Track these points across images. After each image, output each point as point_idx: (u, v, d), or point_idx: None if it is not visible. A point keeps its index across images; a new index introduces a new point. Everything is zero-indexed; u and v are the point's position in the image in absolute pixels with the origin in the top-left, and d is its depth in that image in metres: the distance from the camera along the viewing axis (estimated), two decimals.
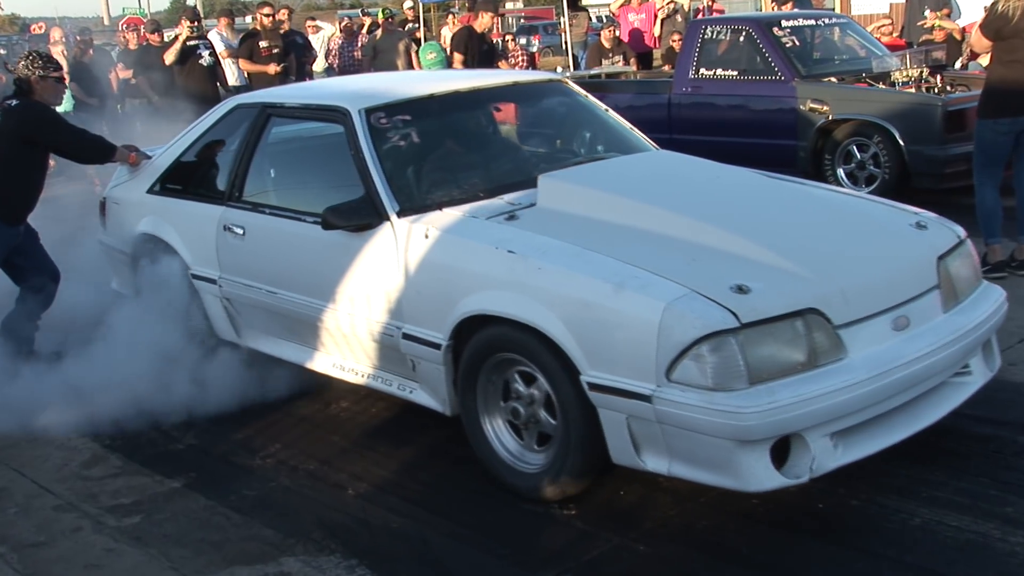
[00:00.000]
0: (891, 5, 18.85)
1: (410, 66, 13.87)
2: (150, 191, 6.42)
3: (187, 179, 6.30)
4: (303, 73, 13.00)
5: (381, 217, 4.85)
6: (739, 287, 3.86)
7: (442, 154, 5.46)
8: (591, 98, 6.14)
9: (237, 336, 5.94)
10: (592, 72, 13.63)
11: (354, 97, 5.39)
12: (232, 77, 13.09)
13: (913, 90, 9.61)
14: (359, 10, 19.24)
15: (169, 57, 11.96)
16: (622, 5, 16.42)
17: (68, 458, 5.23)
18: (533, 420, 4.38)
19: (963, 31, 13.16)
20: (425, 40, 15.64)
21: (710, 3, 17.89)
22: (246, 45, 12.43)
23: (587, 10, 20.71)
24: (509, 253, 4.34)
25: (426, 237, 4.67)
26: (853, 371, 3.86)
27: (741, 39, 10.46)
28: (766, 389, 3.70)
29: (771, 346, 3.80)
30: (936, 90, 9.59)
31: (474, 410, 4.56)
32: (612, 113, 6.10)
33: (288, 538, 4.27)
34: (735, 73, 10.42)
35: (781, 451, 3.78)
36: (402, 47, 14.05)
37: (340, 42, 15.55)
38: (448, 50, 12.26)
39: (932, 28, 13.13)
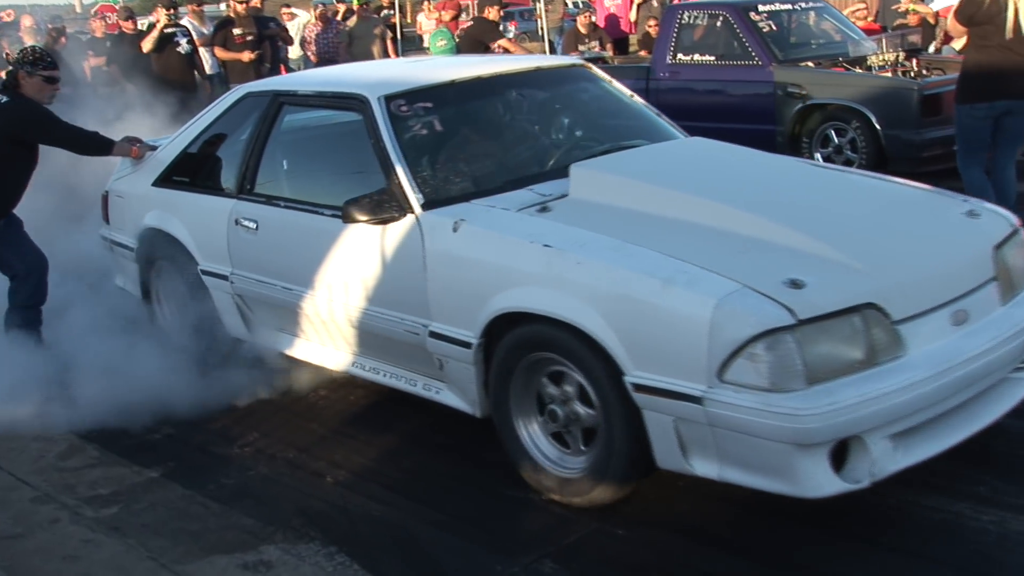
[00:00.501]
0: None
1: (386, 53, 13.85)
2: (156, 184, 6.19)
3: (195, 171, 6.03)
4: (278, 60, 12.98)
5: (405, 210, 4.63)
6: (793, 281, 3.65)
7: (466, 143, 5.21)
8: (615, 83, 5.92)
9: (249, 334, 5.74)
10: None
11: (372, 84, 5.17)
12: (207, 65, 13.02)
13: (890, 74, 9.66)
14: None
15: (147, 45, 11.88)
16: None
17: (45, 449, 5.22)
18: (573, 418, 4.18)
19: (937, 15, 13.25)
20: (402, 28, 15.61)
21: None
22: (220, 33, 12.35)
23: None
24: (545, 247, 4.13)
25: (454, 231, 4.46)
26: (913, 369, 3.68)
27: (718, 24, 10.48)
28: (825, 389, 3.51)
29: (828, 344, 3.62)
30: (912, 74, 9.65)
31: (508, 413, 4.37)
32: (637, 99, 5.89)
33: (267, 526, 4.28)
34: (712, 58, 10.46)
35: (838, 454, 3.62)
36: (377, 33, 14.03)
37: (317, 30, 15.49)
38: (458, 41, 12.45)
39: (906, 12, 13.21)
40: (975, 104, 7.11)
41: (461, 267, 4.44)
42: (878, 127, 9.10)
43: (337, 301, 4.99)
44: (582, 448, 4.19)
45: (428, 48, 13.03)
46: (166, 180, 6.14)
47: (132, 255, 6.39)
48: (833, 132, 9.52)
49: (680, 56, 10.65)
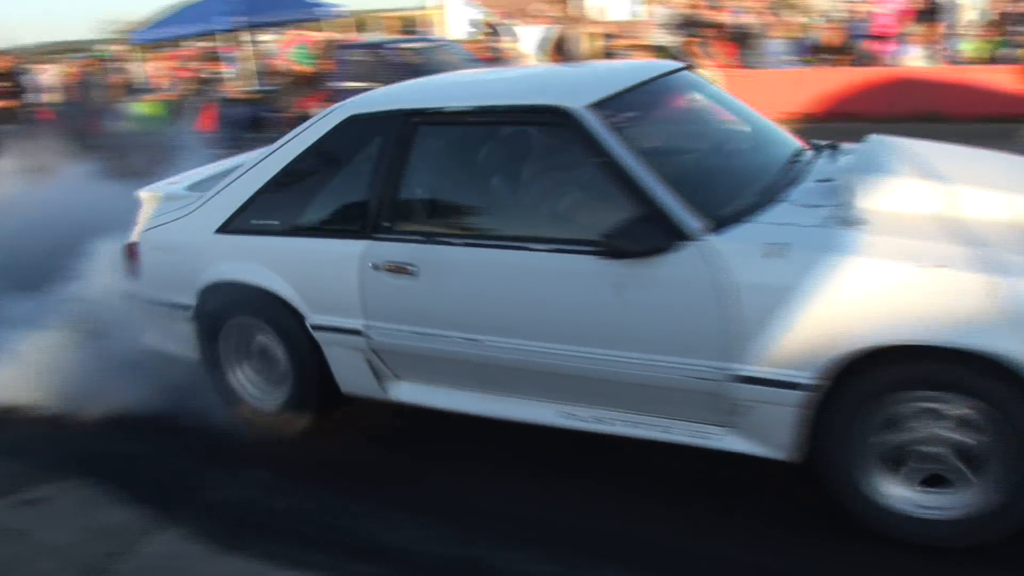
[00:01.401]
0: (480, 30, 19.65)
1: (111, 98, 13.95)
2: (223, 230, 4.11)
3: (290, 211, 3.94)
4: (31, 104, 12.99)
5: (679, 238, 3.09)
6: None
7: (683, 154, 3.70)
8: (717, 85, 4.44)
9: (382, 391, 3.89)
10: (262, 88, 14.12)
11: (561, 92, 3.47)
12: None
13: None
14: (83, 53, 18.69)
15: None
16: (287, 42, 17.29)
17: None
18: (951, 466, 2.92)
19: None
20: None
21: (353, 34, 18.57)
22: None
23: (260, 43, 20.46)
24: (940, 268, 2.78)
25: (770, 257, 2.97)
26: None
27: (373, 58, 11.37)
28: None
29: None
30: None
31: (848, 459, 3.00)
32: (740, 100, 4.28)
33: (39, 470, 4.05)
34: (372, 84, 10.74)
35: None
36: (110, 82, 14.10)
37: (74, 79, 15.21)
38: None
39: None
40: None
41: (797, 299, 2.92)
42: None
43: (559, 349, 3.34)
44: (971, 478, 2.92)
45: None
46: (240, 225, 4.08)
47: (186, 314, 4.30)
48: None
49: (347, 83, 11.04)
